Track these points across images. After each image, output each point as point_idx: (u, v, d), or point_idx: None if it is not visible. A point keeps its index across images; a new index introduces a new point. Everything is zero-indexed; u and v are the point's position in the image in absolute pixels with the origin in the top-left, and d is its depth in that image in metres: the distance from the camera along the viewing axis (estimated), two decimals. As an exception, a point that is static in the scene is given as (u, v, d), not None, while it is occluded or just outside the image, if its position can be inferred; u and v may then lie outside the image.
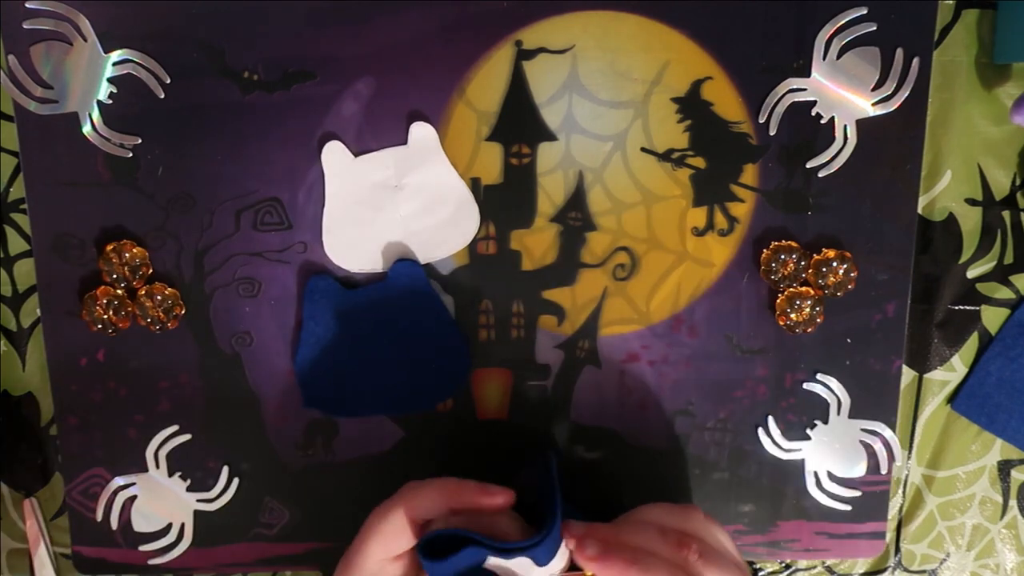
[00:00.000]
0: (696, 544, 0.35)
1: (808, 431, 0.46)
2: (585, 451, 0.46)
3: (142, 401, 0.45)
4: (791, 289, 0.44)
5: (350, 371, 0.44)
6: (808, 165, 0.43)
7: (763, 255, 0.44)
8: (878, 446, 0.46)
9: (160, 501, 0.46)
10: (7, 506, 0.48)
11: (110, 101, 0.42)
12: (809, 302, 0.43)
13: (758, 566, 0.49)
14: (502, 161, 0.43)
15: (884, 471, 0.46)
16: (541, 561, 0.35)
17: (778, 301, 0.44)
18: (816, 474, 0.46)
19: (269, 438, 0.46)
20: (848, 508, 0.47)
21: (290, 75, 0.42)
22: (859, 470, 0.46)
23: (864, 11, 0.41)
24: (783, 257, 0.43)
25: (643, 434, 0.46)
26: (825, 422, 0.46)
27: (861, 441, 0.46)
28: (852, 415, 0.46)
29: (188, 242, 0.43)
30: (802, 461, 0.46)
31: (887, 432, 0.46)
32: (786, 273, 0.43)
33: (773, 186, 0.43)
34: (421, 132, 0.42)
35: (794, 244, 0.43)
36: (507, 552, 0.35)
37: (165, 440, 0.45)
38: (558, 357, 0.45)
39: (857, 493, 0.46)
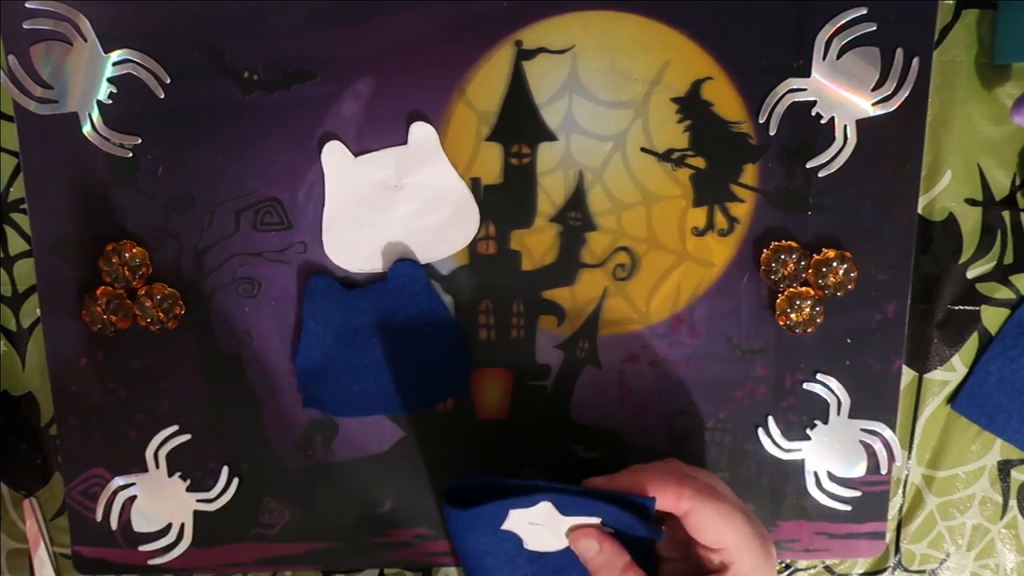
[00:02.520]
0: (690, 483, 0.36)
1: (808, 431, 0.46)
2: (585, 451, 0.46)
3: (142, 401, 0.45)
4: (791, 289, 0.44)
5: (350, 371, 0.44)
6: (808, 165, 0.43)
7: (763, 255, 0.44)
8: (878, 446, 0.46)
9: (160, 501, 0.46)
10: (7, 506, 0.48)
11: (110, 101, 0.42)
12: (809, 302, 0.43)
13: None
14: (502, 161, 0.43)
15: (884, 471, 0.46)
16: (566, 509, 0.36)
17: (778, 301, 0.44)
18: (816, 474, 0.46)
19: (269, 438, 0.46)
20: (848, 508, 0.47)
21: (290, 75, 0.42)
22: (859, 470, 0.46)
23: (864, 11, 0.41)
24: (783, 257, 0.43)
25: (643, 434, 0.46)
26: (825, 422, 0.46)
27: (861, 441, 0.46)
28: (852, 415, 0.46)
29: (188, 242, 0.43)
30: (802, 461, 0.46)
31: (887, 432, 0.46)
32: (786, 273, 0.43)
33: (773, 186, 0.43)
34: (421, 132, 0.42)
35: (794, 244, 0.43)
36: (531, 495, 0.35)
37: (165, 440, 0.45)
38: (558, 357, 0.45)
39: (857, 493, 0.46)
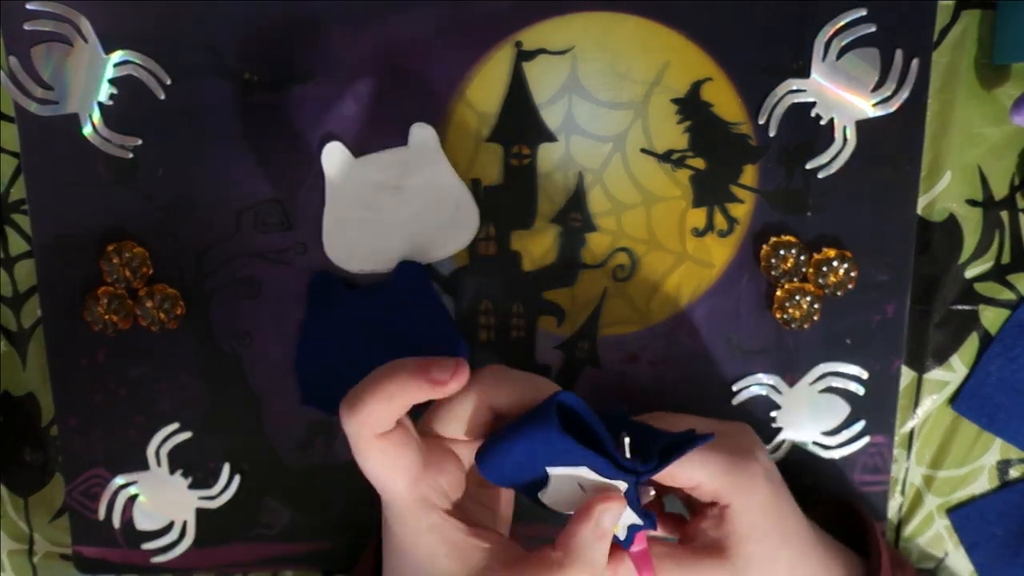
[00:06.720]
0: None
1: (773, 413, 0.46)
2: (585, 451, 0.46)
3: (142, 402, 0.45)
4: (791, 284, 0.44)
5: (350, 371, 0.44)
6: (808, 166, 0.43)
7: (763, 251, 0.44)
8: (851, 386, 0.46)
9: (162, 499, 0.46)
10: (7, 507, 0.48)
11: (111, 102, 0.42)
12: (808, 298, 0.43)
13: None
14: (502, 162, 0.43)
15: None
16: (605, 472, 0.32)
17: (776, 294, 0.44)
18: (806, 444, 0.46)
19: (269, 438, 0.46)
20: (855, 449, 0.46)
21: (290, 75, 0.42)
22: (841, 414, 0.45)
23: (864, 12, 0.41)
24: (783, 252, 0.43)
25: (643, 434, 0.46)
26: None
27: (823, 391, 0.45)
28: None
29: (188, 242, 0.44)
30: (792, 446, 0.46)
31: (852, 369, 0.45)
32: (786, 268, 0.43)
33: (773, 187, 0.43)
34: (421, 133, 0.42)
35: (793, 239, 0.43)
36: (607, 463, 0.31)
37: (166, 438, 0.45)
38: (558, 358, 0.45)
39: (857, 430, 0.46)
